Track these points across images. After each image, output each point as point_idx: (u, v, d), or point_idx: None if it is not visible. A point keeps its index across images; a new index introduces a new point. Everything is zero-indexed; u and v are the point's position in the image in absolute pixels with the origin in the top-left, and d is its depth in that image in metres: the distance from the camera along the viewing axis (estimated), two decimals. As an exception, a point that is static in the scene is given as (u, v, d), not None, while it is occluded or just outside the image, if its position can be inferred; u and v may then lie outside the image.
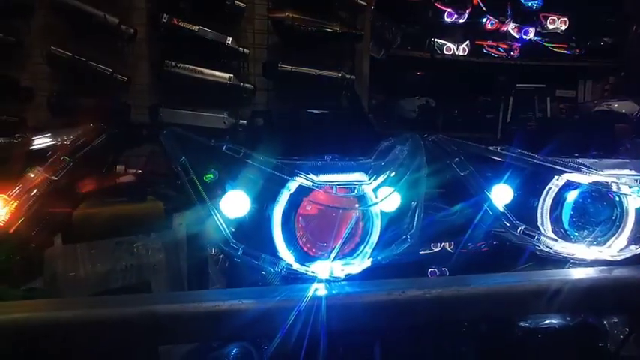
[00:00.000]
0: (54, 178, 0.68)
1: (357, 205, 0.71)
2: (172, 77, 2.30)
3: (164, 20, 2.23)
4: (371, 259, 0.74)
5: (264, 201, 0.70)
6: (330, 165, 0.69)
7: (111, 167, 1.19)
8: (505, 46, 3.48)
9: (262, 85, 2.53)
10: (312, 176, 0.66)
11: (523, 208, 0.91)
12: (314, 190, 0.68)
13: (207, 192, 0.72)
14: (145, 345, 0.66)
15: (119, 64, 2.31)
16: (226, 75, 2.37)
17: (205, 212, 0.68)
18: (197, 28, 2.28)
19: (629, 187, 0.81)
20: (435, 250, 1.04)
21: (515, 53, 3.43)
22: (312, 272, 0.70)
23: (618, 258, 0.82)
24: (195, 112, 2.33)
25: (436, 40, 3.28)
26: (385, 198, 0.71)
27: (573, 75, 3.55)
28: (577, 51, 3.45)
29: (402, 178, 0.76)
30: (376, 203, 0.71)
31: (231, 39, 2.34)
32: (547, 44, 3.47)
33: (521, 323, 0.88)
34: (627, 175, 0.79)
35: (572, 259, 0.85)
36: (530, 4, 3.43)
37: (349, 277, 0.72)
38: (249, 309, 0.63)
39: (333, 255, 0.72)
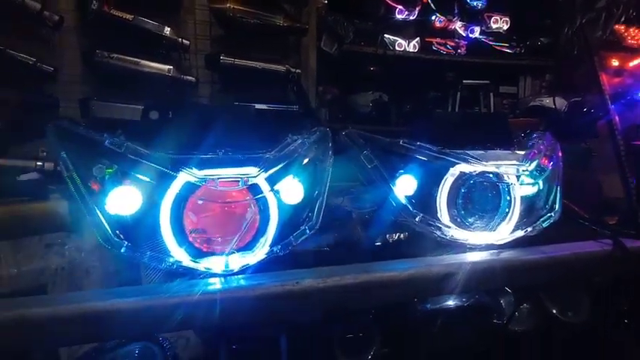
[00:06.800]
0: None
1: (247, 198, 0.71)
2: (106, 68, 2.17)
3: (93, 7, 2.10)
4: (267, 249, 0.74)
5: (152, 197, 0.68)
6: (218, 159, 0.68)
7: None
8: (453, 44, 3.60)
9: (207, 78, 2.46)
10: (195, 170, 0.65)
11: (428, 198, 0.95)
12: (202, 184, 0.66)
13: (98, 188, 0.69)
14: (17, 350, 0.62)
15: (46, 55, 2.15)
16: (166, 67, 2.28)
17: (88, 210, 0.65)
18: (131, 16, 2.17)
19: (516, 177, 0.87)
20: (392, 240, 1.07)
21: (462, 51, 3.57)
22: (206, 268, 0.69)
23: (504, 242, 0.89)
24: (131, 105, 2.22)
25: (388, 36, 3.34)
26: (271, 189, 0.71)
27: (515, 72, 3.76)
28: (518, 49, 3.66)
29: (300, 169, 0.76)
30: (262, 195, 0.71)
31: (169, 29, 2.25)
32: (491, 42, 3.65)
33: (419, 307, 0.93)
34: (507, 164, 0.86)
35: (468, 244, 0.90)
36: (475, 3, 3.57)
37: (245, 269, 0.71)
38: (131, 308, 0.61)
39: (228, 249, 0.71)
